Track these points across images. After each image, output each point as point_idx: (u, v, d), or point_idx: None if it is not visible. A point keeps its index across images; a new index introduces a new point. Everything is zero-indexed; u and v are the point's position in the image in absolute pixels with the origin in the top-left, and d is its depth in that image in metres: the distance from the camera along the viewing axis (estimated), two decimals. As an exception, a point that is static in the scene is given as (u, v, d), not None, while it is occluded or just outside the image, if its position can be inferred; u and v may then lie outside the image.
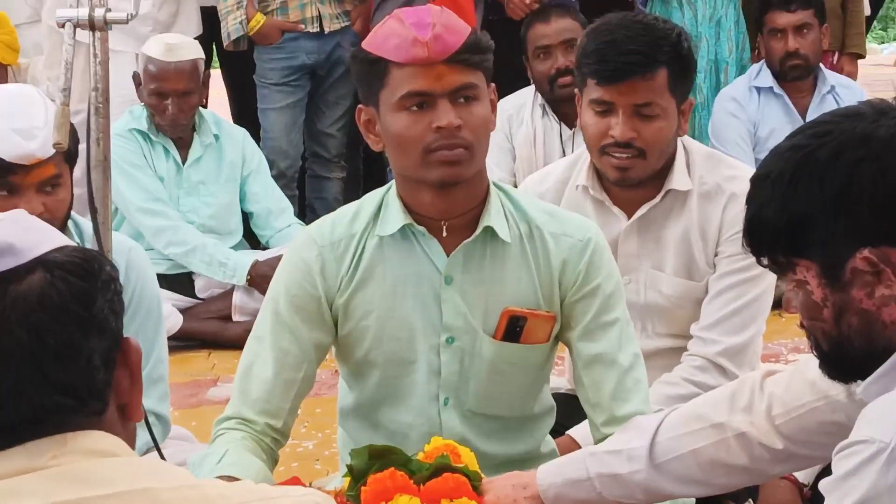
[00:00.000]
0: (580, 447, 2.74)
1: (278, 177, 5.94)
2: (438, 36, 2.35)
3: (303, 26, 5.96)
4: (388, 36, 2.39)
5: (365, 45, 2.43)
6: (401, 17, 2.40)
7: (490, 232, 2.47)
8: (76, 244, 1.48)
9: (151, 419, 2.86)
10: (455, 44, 2.36)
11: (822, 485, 1.78)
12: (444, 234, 2.47)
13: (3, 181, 2.72)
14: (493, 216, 2.46)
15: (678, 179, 3.03)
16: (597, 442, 2.50)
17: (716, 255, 3.06)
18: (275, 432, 2.49)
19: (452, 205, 2.45)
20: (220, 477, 2.26)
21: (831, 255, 1.82)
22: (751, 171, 3.08)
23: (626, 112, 2.91)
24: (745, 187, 2.97)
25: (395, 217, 2.47)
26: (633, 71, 2.90)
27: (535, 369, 2.57)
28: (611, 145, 2.95)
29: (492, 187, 2.49)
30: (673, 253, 3.07)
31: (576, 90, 3.06)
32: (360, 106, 2.48)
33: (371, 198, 2.56)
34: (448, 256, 2.47)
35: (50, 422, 1.38)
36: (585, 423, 2.65)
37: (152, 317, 2.92)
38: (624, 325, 2.52)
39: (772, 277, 2.95)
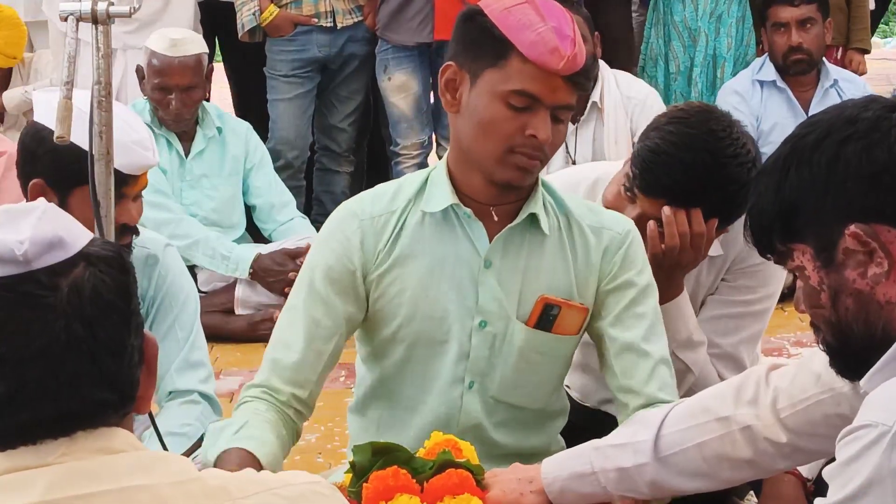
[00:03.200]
0: None
1: (285, 168, 5.95)
2: (576, 55, 2.34)
3: (316, 20, 5.96)
4: (524, 25, 2.35)
5: (491, 14, 2.38)
6: (541, 12, 2.36)
7: (532, 220, 2.48)
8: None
9: (198, 398, 3.01)
10: (581, 63, 2.36)
11: (826, 471, 1.78)
12: (495, 218, 2.48)
13: (118, 193, 2.68)
14: (538, 205, 2.48)
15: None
16: None
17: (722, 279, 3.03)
18: (299, 403, 2.48)
19: (504, 195, 2.47)
20: (235, 448, 2.29)
21: (823, 236, 1.83)
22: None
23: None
24: None
25: (442, 195, 2.47)
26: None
27: (560, 361, 2.58)
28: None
29: (539, 180, 2.51)
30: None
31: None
32: (450, 63, 2.44)
33: (413, 177, 2.56)
34: (489, 240, 2.48)
35: (90, 418, 1.39)
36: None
37: (189, 306, 3.03)
38: (655, 321, 2.54)
39: (771, 312, 2.94)
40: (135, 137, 2.77)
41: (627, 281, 2.52)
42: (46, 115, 2.74)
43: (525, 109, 2.36)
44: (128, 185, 2.78)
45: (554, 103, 2.37)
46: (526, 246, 2.50)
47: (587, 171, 3.17)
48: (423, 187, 2.52)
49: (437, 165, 2.53)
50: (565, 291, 2.51)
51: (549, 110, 2.37)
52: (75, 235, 1.42)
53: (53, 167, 2.75)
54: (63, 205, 2.75)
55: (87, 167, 2.55)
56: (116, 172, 2.61)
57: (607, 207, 2.82)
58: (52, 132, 2.64)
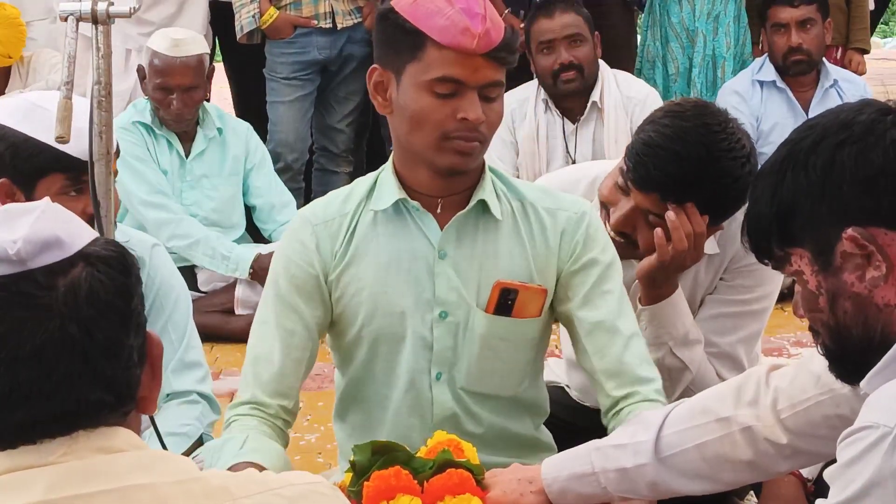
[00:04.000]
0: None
1: (284, 169, 5.95)
2: (488, 31, 2.34)
3: (315, 22, 5.96)
4: (432, 13, 2.36)
5: (401, 10, 2.40)
6: None
7: (483, 206, 2.49)
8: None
9: (197, 398, 2.99)
10: (497, 39, 2.37)
11: (827, 472, 1.78)
12: (440, 210, 2.49)
13: (78, 182, 2.71)
14: (486, 192, 2.49)
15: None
16: (608, 410, 2.51)
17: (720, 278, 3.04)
18: (286, 413, 2.51)
19: (450, 185, 2.48)
20: (244, 463, 2.29)
21: (820, 240, 1.84)
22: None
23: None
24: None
25: (390, 192, 2.49)
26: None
27: (526, 346, 2.57)
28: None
29: (486, 167, 2.52)
30: None
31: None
32: (375, 66, 2.46)
33: (363, 180, 2.59)
34: (442, 231, 2.48)
35: (86, 417, 1.38)
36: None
37: (181, 306, 3.00)
38: (621, 296, 2.55)
39: (770, 312, 2.95)
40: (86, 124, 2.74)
41: (592, 260, 2.53)
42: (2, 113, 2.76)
43: (452, 95, 2.37)
44: (87, 173, 2.75)
45: (478, 83, 2.37)
46: (480, 233, 2.51)
47: (586, 169, 3.18)
48: (372, 188, 2.54)
49: (384, 167, 2.54)
50: (524, 275, 2.52)
51: (475, 90, 2.37)
52: (75, 235, 1.42)
53: (12, 164, 2.74)
54: (30, 200, 2.75)
55: (46, 159, 2.59)
56: (74, 159, 2.63)
57: (603, 202, 2.84)
58: (7, 129, 2.68)
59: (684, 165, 2.69)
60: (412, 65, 2.39)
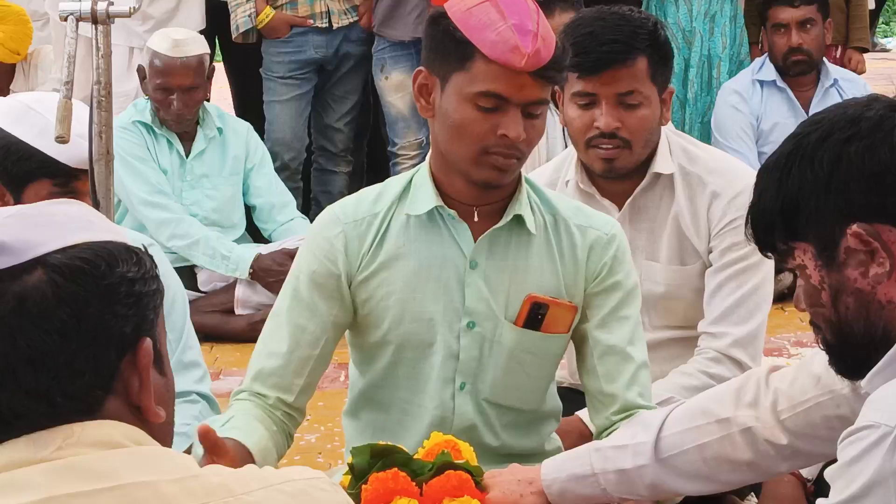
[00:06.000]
0: (587, 427, 2.77)
1: (282, 169, 5.94)
2: (538, 50, 2.32)
3: (311, 21, 5.96)
4: (484, 25, 2.34)
5: (453, 16, 2.37)
6: (502, 10, 2.35)
7: (518, 220, 2.48)
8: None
9: (196, 398, 2.98)
10: (546, 58, 2.34)
11: (828, 472, 1.77)
12: (476, 219, 2.47)
13: (68, 188, 2.70)
14: (523, 206, 2.48)
15: (661, 163, 3.06)
16: (602, 430, 2.51)
17: (710, 251, 3.07)
18: (287, 407, 2.49)
19: (486, 195, 2.47)
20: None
21: (825, 235, 1.83)
22: (726, 164, 3.13)
23: (610, 102, 2.94)
24: (723, 184, 3.01)
25: (426, 197, 2.47)
26: (614, 60, 2.92)
27: (551, 361, 2.57)
28: (596, 137, 2.97)
29: (522, 179, 2.51)
30: (666, 241, 3.10)
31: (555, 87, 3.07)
32: (421, 68, 2.44)
33: (395, 179, 2.56)
34: (475, 241, 2.48)
35: (21, 424, 1.37)
36: None
37: (177, 307, 2.97)
38: (636, 323, 2.54)
39: (770, 264, 2.97)
40: (79, 130, 2.71)
41: (616, 283, 2.52)
42: None
43: (494, 110, 2.36)
44: (78, 178, 2.73)
45: (523, 100, 2.36)
46: (512, 246, 2.49)
47: (549, 164, 3.30)
48: (406, 190, 2.52)
49: (420, 168, 2.53)
50: (554, 291, 2.51)
51: (519, 108, 2.36)
52: (34, 241, 1.39)
53: (2, 166, 2.73)
54: (19, 203, 2.74)
55: (35, 164, 2.59)
56: (63, 165, 2.63)
57: (573, 137, 2.99)
58: None
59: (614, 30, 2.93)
60: (459, 74, 2.37)
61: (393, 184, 2.55)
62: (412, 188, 2.51)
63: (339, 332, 2.54)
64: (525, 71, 2.33)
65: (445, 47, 2.38)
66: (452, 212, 2.47)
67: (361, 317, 2.53)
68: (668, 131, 3.11)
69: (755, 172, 3.22)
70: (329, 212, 2.55)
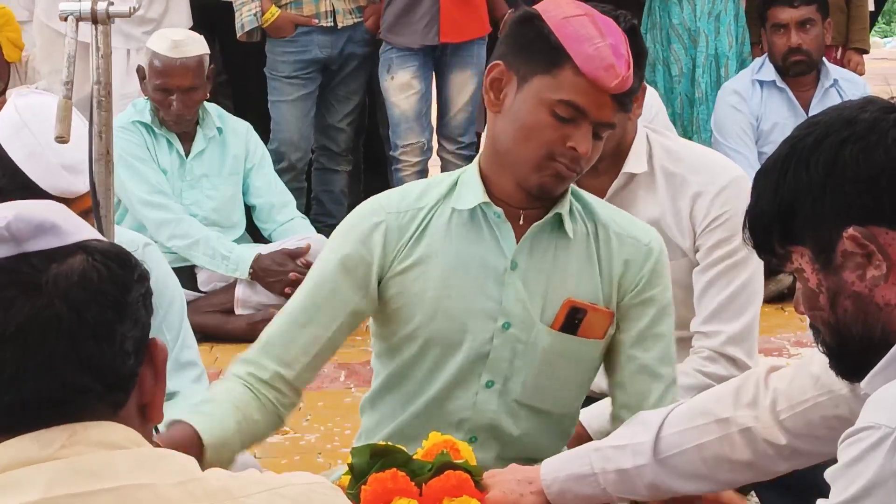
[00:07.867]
0: (585, 429, 2.77)
1: (288, 169, 5.95)
2: (629, 76, 2.35)
3: (316, 21, 5.96)
4: (583, 38, 2.35)
5: (548, 20, 2.38)
6: (600, 27, 2.36)
7: (558, 221, 2.47)
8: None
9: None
10: (629, 85, 2.37)
11: (828, 473, 1.78)
12: (521, 222, 2.47)
13: None
14: (564, 208, 2.47)
15: (633, 163, 3.05)
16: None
17: (696, 250, 3.07)
18: (283, 383, 2.45)
19: (533, 201, 2.47)
20: (180, 421, 2.31)
21: (821, 238, 1.84)
22: (709, 160, 3.11)
23: None
24: (706, 181, 3.00)
25: (474, 193, 2.46)
26: None
27: (585, 367, 2.56)
28: None
29: (569, 189, 2.50)
30: None
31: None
32: (498, 62, 2.43)
33: (443, 176, 2.56)
34: (517, 243, 2.47)
35: (72, 404, 1.37)
36: (592, 406, 2.66)
37: (175, 306, 2.97)
38: (670, 341, 2.55)
39: (758, 259, 2.98)
40: (66, 161, 2.66)
41: (652, 298, 2.52)
42: None
43: (569, 121, 2.36)
44: (68, 203, 2.74)
45: (598, 119, 2.37)
46: (552, 249, 2.49)
47: None
48: (453, 187, 2.51)
49: (468, 168, 2.52)
50: (591, 296, 2.50)
51: (592, 125, 2.37)
52: (74, 227, 1.42)
53: None
54: None
55: (13, 183, 2.61)
56: (42, 192, 2.62)
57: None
58: None
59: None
60: (542, 77, 2.37)
61: (439, 180, 2.55)
62: (460, 184, 2.50)
63: (355, 321, 2.52)
64: (611, 92, 2.34)
65: (534, 48, 2.38)
66: (499, 209, 2.46)
67: (392, 310, 2.51)
68: (649, 130, 3.10)
69: (738, 167, 3.24)
70: (373, 200, 2.54)
